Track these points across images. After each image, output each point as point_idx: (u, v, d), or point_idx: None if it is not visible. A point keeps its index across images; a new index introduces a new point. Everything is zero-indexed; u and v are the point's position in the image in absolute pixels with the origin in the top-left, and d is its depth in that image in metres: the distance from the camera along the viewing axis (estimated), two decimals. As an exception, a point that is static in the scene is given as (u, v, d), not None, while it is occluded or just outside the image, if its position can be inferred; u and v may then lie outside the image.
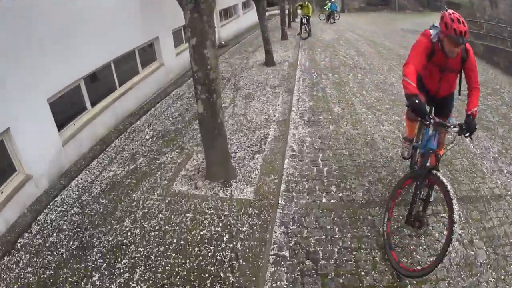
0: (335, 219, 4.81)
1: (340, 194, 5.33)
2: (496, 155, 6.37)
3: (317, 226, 4.69)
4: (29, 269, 4.07)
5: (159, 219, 4.76)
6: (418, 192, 3.92)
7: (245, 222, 4.59)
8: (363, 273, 3.94)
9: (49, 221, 4.91)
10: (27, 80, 5.33)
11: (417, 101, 3.56)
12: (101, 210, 5.06)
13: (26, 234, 4.68)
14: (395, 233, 4.42)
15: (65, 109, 6.61)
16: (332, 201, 5.20)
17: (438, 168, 3.89)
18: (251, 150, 6.50)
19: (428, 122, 3.83)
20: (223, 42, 19.55)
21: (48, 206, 5.26)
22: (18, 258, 4.25)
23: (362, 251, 4.25)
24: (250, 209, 4.84)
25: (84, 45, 6.80)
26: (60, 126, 6.31)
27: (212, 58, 4.86)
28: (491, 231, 4.53)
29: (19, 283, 3.89)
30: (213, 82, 4.95)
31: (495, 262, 4.05)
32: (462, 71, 4.21)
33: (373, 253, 4.20)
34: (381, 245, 4.29)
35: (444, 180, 3.65)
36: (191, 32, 4.72)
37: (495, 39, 18.32)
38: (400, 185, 4.30)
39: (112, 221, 4.79)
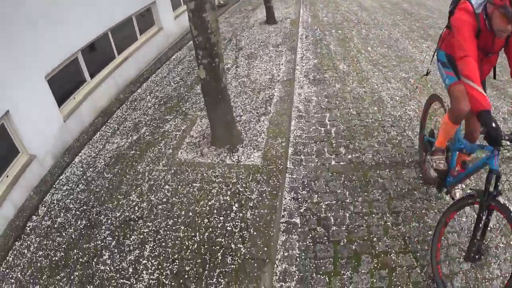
0: (345, 182, 4.73)
1: (350, 156, 5.23)
2: (506, 116, 6.21)
3: (327, 190, 4.61)
4: (40, 253, 4.01)
5: (165, 191, 4.68)
6: (480, 222, 2.97)
7: (254, 189, 4.50)
8: (375, 239, 3.88)
9: (55, 201, 4.81)
10: (22, 59, 5.11)
11: (493, 124, 2.69)
12: (107, 185, 4.97)
13: (34, 217, 4.59)
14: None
15: (64, 84, 6.42)
16: (341, 163, 5.10)
17: (500, 191, 2.91)
18: (257, 112, 6.36)
19: (505, 149, 2.97)
20: (222, 1, 19.08)
21: (54, 186, 5.15)
22: (28, 242, 4.19)
23: (373, 216, 4.18)
24: (259, 175, 4.75)
25: (78, 16, 6.52)
26: (60, 101, 6.13)
27: (213, 22, 4.64)
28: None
29: (32, 268, 3.83)
30: (215, 46, 4.75)
31: (505, 227, 3.92)
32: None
33: (385, 218, 4.14)
34: (392, 209, 4.25)
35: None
36: None
37: None
38: (453, 210, 3.30)
39: (119, 196, 4.71)
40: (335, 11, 14.49)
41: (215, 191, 4.55)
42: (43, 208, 4.74)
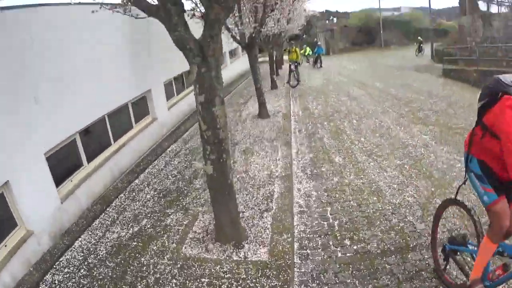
0: (354, 272, 4.69)
1: (355, 247, 5.22)
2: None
3: (337, 281, 4.57)
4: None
5: (173, 285, 4.59)
6: None
7: (265, 284, 4.45)
8: (390, 321, 3.81)
9: (56, 282, 4.81)
10: (25, 133, 5.38)
11: None
12: (110, 274, 4.91)
13: (36, 293, 4.54)
14: None
15: (62, 165, 6.62)
16: (348, 254, 5.08)
17: None
18: (259, 208, 6.40)
19: None
20: None
21: (54, 266, 5.16)
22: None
23: (385, 300, 4.12)
24: (268, 270, 4.70)
25: (79, 98, 6.89)
26: (58, 182, 6.30)
27: (221, 116, 4.76)
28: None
29: None
30: (223, 142, 4.85)
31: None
32: None
33: (397, 302, 4.08)
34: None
35: None
36: (199, 89, 4.61)
37: (489, 62, 18.37)
38: None
39: (124, 286, 4.63)
40: (325, 103, 15.13)
41: (225, 286, 4.47)
42: (44, 286, 4.74)
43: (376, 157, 8.45)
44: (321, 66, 31.50)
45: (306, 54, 35.97)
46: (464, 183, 3.71)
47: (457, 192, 3.91)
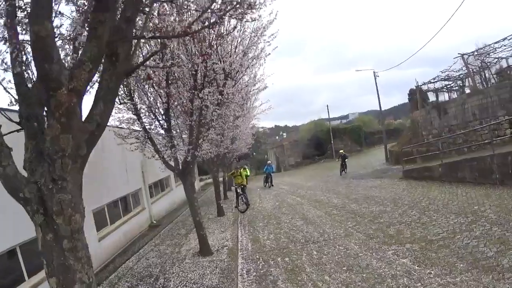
0: None
1: None
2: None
3: None
4: None
5: None
6: None
7: None
8: None
9: None
10: None
11: None
12: None
13: None
14: None
15: None
16: None
17: None
18: None
19: None
20: (154, 222, 18.73)
21: None
22: None
23: None
24: None
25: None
26: None
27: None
28: None
29: None
30: None
31: None
32: None
33: None
34: None
35: None
36: (46, 266, 2.86)
37: (451, 152, 18.56)
38: None
39: None
40: (278, 230, 13.11)
41: None
42: None
43: (349, 304, 6.19)
44: (271, 185, 30.67)
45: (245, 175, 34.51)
46: None
47: None
